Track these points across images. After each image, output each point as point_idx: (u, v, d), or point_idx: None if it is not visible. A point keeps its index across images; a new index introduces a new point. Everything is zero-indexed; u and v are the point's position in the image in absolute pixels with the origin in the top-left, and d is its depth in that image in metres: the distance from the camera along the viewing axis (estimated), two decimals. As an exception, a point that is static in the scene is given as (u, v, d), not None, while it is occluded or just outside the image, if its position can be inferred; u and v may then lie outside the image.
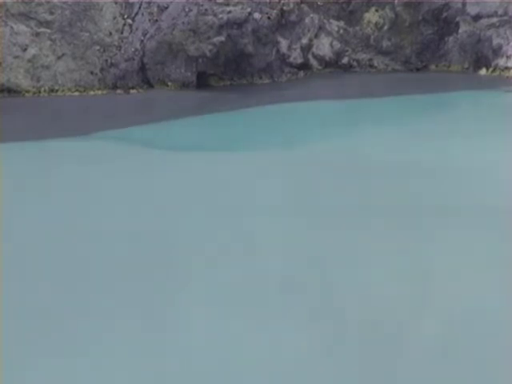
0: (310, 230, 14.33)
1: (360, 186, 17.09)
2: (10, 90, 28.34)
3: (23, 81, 28.51)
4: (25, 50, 28.61)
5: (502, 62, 31.97)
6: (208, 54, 29.77)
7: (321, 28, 33.06)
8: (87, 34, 29.29)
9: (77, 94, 28.94)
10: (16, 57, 28.55)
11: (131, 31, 30.11)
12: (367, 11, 33.35)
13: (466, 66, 33.00)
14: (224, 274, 12.38)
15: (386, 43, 33.29)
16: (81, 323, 10.71)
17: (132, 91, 29.53)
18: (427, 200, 15.93)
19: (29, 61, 28.63)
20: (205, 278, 12.25)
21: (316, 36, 32.94)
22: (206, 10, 30.13)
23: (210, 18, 29.98)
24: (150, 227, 14.77)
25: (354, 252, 13.16)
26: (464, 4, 33.00)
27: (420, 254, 12.95)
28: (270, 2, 31.58)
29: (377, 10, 33.32)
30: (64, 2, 29.12)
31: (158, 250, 13.49)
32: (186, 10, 30.15)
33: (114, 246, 13.77)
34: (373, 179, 17.58)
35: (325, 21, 33.10)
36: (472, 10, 32.82)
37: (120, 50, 29.76)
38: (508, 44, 31.96)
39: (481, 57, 32.49)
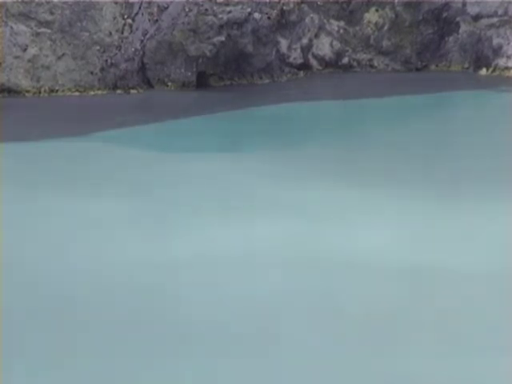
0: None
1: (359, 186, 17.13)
2: (10, 90, 28.34)
3: (23, 81, 28.50)
4: (25, 50, 28.60)
5: (502, 61, 31.96)
6: (208, 53, 29.75)
7: (321, 28, 33.02)
8: (87, 34, 29.28)
9: (77, 94, 28.92)
10: (16, 57, 28.54)
11: (131, 31, 30.09)
12: (367, 11, 33.27)
13: (466, 65, 32.97)
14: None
15: (386, 43, 33.25)
16: None
17: (132, 91, 29.51)
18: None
19: (29, 61, 28.62)
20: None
21: (316, 36, 32.90)
22: (206, 9, 30.10)
23: (210, 17, 29.97)
24: (153, 226, 14.80)
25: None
26: (464, 4, 32.95)
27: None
28: (269, 2, 31.54)
29: (377, 10, 33.27)
30: (64, 2, 29.10)
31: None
32: (186, 9, 30.14)
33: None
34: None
35: (325, 21, 33.08)
36: (472, 10, 32.77)
37: (120, 50, 29.75)
38: (508, 44, 31.94)
39: (481, 57, 32.47)
